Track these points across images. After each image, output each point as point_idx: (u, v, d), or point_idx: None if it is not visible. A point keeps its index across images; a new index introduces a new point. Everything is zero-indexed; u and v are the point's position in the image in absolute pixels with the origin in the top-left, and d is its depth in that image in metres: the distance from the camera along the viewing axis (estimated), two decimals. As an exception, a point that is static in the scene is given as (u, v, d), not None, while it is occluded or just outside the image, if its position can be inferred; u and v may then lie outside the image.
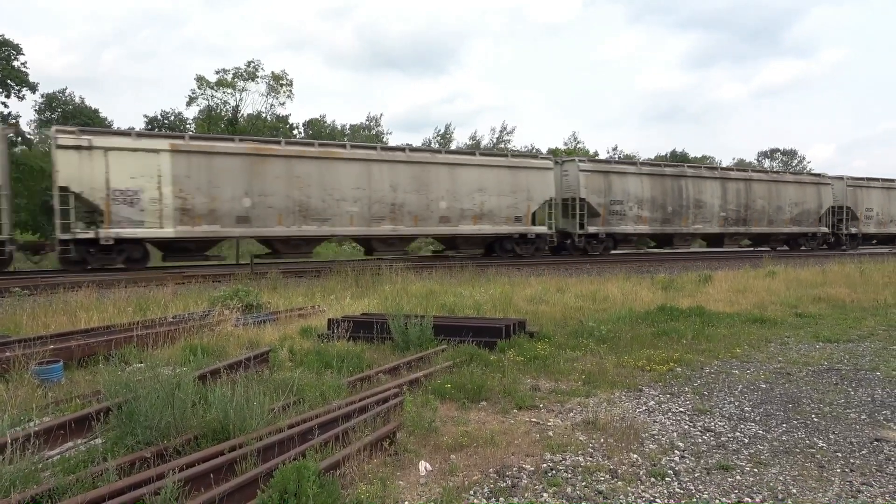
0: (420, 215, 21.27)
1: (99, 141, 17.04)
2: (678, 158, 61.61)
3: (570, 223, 24.52)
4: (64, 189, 16.50)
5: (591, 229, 24.59)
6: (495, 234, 22.86)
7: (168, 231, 17.72)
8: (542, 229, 23.77)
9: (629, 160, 27.20)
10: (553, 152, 51.31)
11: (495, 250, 23.47)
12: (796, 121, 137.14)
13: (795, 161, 78.23)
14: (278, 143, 20.46)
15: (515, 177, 23.08)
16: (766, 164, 75.94)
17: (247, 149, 18.98)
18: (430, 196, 21.43)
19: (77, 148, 16.63)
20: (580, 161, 25.65)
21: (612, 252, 26.10)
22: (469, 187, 22.12)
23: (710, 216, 27.78)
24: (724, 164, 52.56)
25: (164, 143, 18.02)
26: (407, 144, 25.48)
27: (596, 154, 58.68)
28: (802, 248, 31.26)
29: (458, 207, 21.92)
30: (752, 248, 31.63)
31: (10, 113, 38.24)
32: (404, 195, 20.99)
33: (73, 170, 16.56)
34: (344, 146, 21.47)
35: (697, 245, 30.53)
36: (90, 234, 16.79)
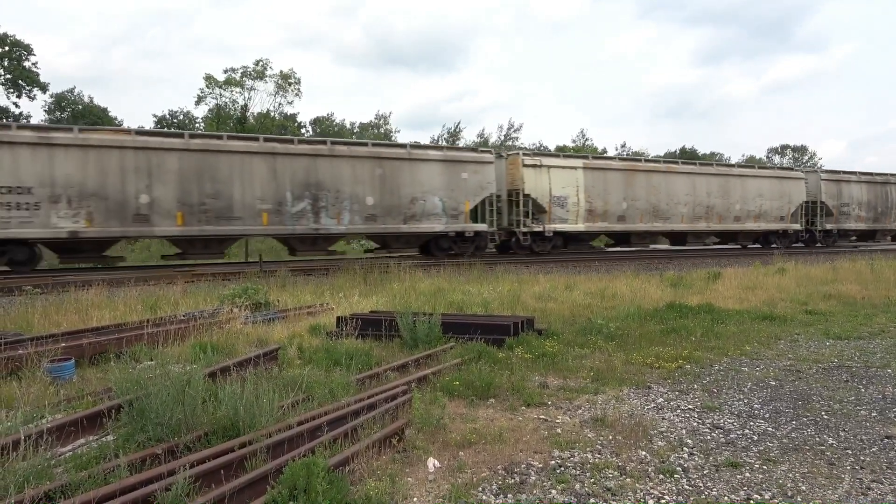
0: (723, 215, 27.64)
1: (545, 161, 23.75)
2: (687, 155, 61.41)
3: (801, 221, 30.70)
4: (527, 195, 22.91)
5: (828, 226, 31.13)
6: (767, 229, 29.34)
7: (580, 226, 24.12)
8: (796, 226, 30.19)
9: (850, 170, 33.13)
10: (561, 149, 51.40)
11: (759, 242, 30.14)
12: (807, 117, 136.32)
13: (806, 157, 77.66)
14: (639, 160, 27.85)
15: (782, 185, 29.57)
16: (777, 160, 75.42)
17: (624, 165, 25.84)
18: (730, 200, 27.85)
19: (534, 166, 23.17)
20: (821, 172, 31.77)
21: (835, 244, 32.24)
22: (753, 193, 28.54)
23: None
24: (732, 161, 52.97)
25: (579, 162, 24.62)
26: (716, 160, 31.91)
27: (605, 151, 58.83)
28: None
29: (746, 209, 28.37)
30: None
31: (21, 113, 38.52)
32: (714, 200, 27.39)
33: (532, 182, 22.98)
34: (677, 162, 28.82)
35: (888, 240, 35.16)
36: (539, 228, 23.23)
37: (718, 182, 27.61)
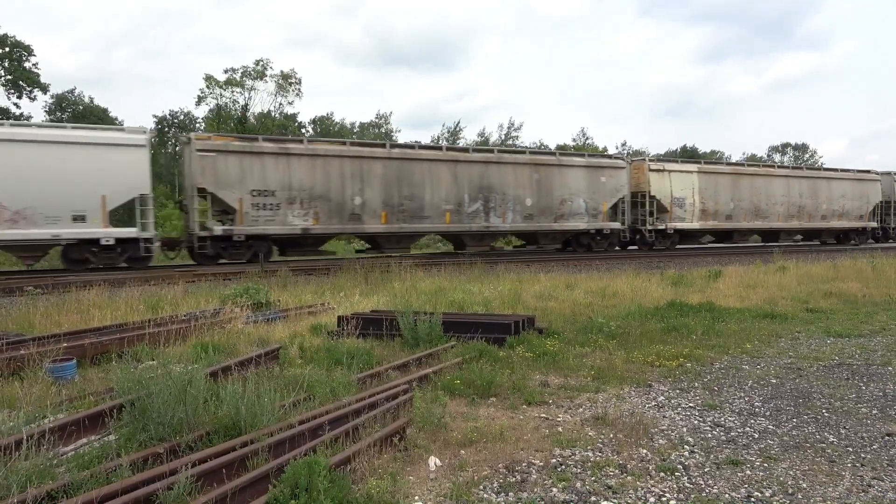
0: (811, 214, 30.96)
1: (667, 166, 27.13)
2: (688, 154, 61.40)
3: (875, 219, 34.27)
4: (653, 197, 26.19)
5: None
6: (848, 227, 32.60)
7: (695, 224, 27.47)
8: (873, 224, 33.60)
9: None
10: (561, 148, 51.44)
11: (838, 239, 32.97)
12: (809, 115, 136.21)
13: (807, 156, 77.59)
14: (742, 165, 31.41)
15: (861, 186, 32.88)
16: (777, 158, 75.38)
17: (731, 169, 29.34)
18: (818, 200, 31.16)
19: (658, 171, 26.50)
20: (895, 174, 35.17)
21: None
22: (837, 194, 31.86)
23: None
24: (733, 159, 53.37)
25: (694, 167, 28.07)
26: (804, 164, 34.38)
27: (605, 149, 58.80)
28: None
29: (831, 209, 31.63)
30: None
31: (21, 114, 38.53)
32: (805, 200, 30.72)
33: (656, 185, 26.27)
34: (773, 166, 32.47)
35: None
36: (662, 226, 26.36)
37: (808, 184, 30.94)
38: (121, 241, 17.26)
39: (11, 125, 17.38)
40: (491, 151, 23.49)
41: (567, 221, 24.11)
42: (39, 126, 19.22)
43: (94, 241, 16.87)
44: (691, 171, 27.38)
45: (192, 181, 18.52)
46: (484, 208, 22.39)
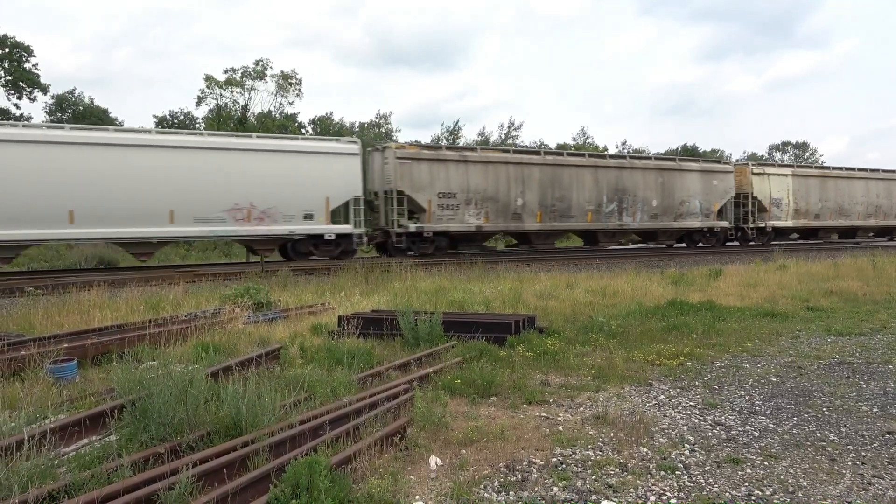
0: (886, 213, 33.70)
1: (767, 170, 29.79)
2: (689, 153, 61.40)
3: None
4: (755, 198, 28.70)
5: None
6: None
7: (789, 223, 30.05)
8: None
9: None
10: (562, 147, 51.49)
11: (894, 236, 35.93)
12: (809, 113, 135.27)
13: (807, 154, 77.52)
14: (828, 168, 33.76)
15: None
16: (777, 157, 75.33)
17: (820, 172, 32.14)
18: (893, 200, 33.96)
19: (759, 174, 29.03)
20: None
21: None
22: None
23: None
24: (734, 158, 53.95)
25: (788, 171, 30.56)
26: (879, 168, 36.12)
27: (605, 149, 58.81)
28: None
29: None
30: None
31: (22, 114, 38.54)
32: (881, 200, 33.58)
33: (757, 187, 28.63)
34: (854, 170, 34.03)
35: None
36: (762, 224, 28.95)
37: (884, 185, 33.73)
38: (338, 236, 19.94)
39: (258, 137, 20.20)
40: (624, 157, 26.55)
41: (685, 220, 26.82)
42: (278, 137, 23.08)
43: (319, 236, 19.73)
44: (786, 175, 29.98)
45: (388, 184, 21.09)
46: (618, 208, 25.03)
